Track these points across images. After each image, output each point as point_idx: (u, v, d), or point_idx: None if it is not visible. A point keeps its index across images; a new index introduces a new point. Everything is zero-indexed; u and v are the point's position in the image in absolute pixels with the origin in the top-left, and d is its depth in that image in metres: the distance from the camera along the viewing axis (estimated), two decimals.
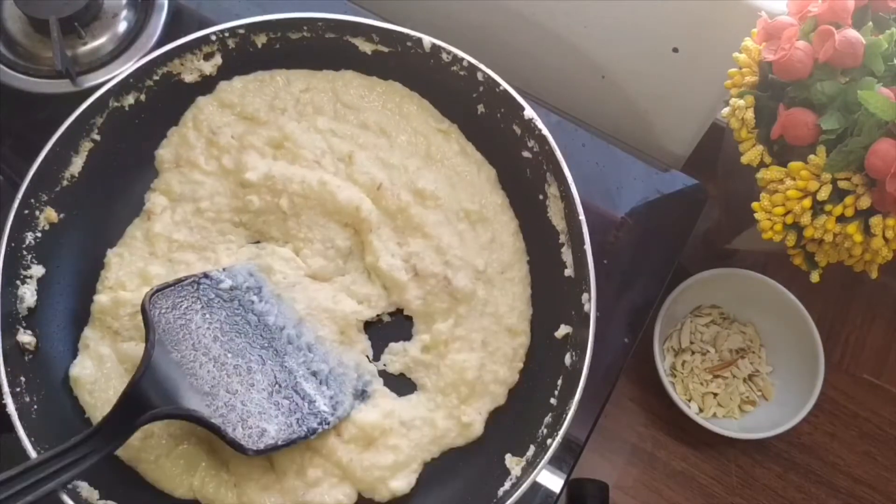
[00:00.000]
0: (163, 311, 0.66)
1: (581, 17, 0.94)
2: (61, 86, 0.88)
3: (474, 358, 0.75)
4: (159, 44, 0.88)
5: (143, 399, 0.62)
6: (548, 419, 0.71)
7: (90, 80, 0.88)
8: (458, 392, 0.75)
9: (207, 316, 0.69)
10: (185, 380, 0.65)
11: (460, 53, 0.80)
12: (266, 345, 0.71)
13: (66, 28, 0.88)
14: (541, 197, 0.79)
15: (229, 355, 0.68)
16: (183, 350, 0.66)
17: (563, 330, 0.75)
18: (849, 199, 0.68)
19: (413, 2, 1.02)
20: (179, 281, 0.69)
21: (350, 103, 0.83)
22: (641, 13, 0.89)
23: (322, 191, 0.78)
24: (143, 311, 0.65)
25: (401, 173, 0.80)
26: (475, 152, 0.83)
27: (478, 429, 0.74)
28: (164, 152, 0.81)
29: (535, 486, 0.77)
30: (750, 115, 0.73)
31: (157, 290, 0.67)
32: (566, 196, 0.76)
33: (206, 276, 0.71)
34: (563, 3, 0.93)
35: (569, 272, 0.76)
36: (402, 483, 0.71)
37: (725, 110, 0.76)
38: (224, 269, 0.74)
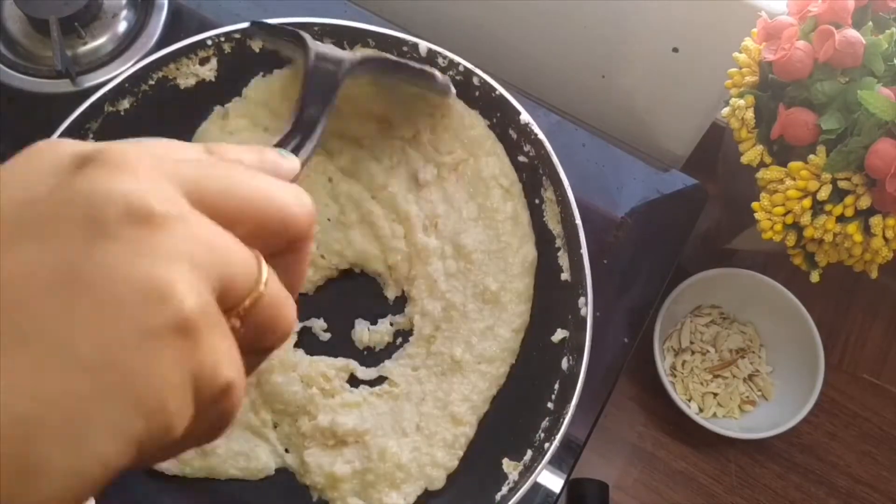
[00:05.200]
0: None
1: (581, 17, 0.94)
2: (61, 86, 0.88)
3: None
4: (159, 44, 0.88)
5: None
6: (545, 423, 0.71)
7: (90, 80, 0.88)
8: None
9: None
10: None
11: (456, 58, 0.79)
12: None
13: (66, 28, 0.88)
14: (537, 201, 0.79)
15: None
16: None
17: (560, 334, 0.75)
18: (849, 199, 0.68)
19: (413, 2, 1.02)
20: None
21: None
22: (641, 13, 0.89)
23: None
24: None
25: (454, 214, 0.73)
26: (527, 223, 0.76)
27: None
28: None
29: (535, 487, 0.77)
30: (750, 115, 0.72)
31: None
32: (562, 200, 0.75)
33: None
34: (563, 3, 0.93)
35: (565, 276, 0.75)
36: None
37: (725, 110, 0.75)
38: None
